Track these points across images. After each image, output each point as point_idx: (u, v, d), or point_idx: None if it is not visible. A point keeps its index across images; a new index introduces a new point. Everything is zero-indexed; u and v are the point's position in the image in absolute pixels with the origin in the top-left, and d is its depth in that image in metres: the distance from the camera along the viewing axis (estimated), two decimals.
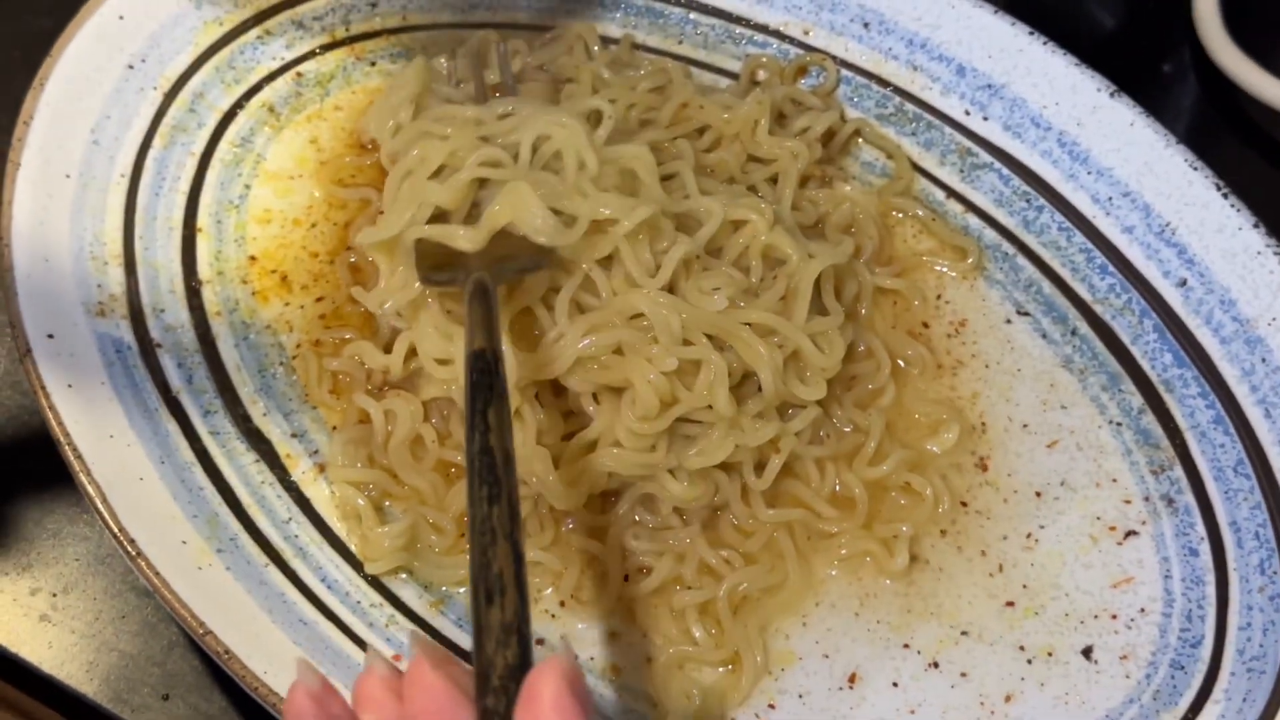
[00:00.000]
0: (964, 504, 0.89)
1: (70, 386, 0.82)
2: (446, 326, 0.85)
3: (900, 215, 1.00)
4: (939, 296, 0.97)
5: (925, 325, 0.96)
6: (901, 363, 0.94)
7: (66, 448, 0.79)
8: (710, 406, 0.83)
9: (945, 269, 0.98)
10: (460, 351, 0.82)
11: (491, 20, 1.07)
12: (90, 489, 0.77)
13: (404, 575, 0.84)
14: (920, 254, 0.99)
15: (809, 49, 1.04)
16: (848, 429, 0.90)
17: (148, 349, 0.88)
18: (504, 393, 0.68)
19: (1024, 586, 0.86)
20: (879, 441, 0.88)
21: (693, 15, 1.06)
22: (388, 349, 0.89)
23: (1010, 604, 0.85)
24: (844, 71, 1.03)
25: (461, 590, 0.84)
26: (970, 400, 0.93)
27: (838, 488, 0.88)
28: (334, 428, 0.89)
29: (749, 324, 0.84)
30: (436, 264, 0.79)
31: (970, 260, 0.97)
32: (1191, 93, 1.15)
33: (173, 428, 0.85)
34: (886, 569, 0.85)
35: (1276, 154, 1.11)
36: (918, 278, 0.98)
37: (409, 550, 0.84)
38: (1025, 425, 0.92)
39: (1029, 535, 0.87)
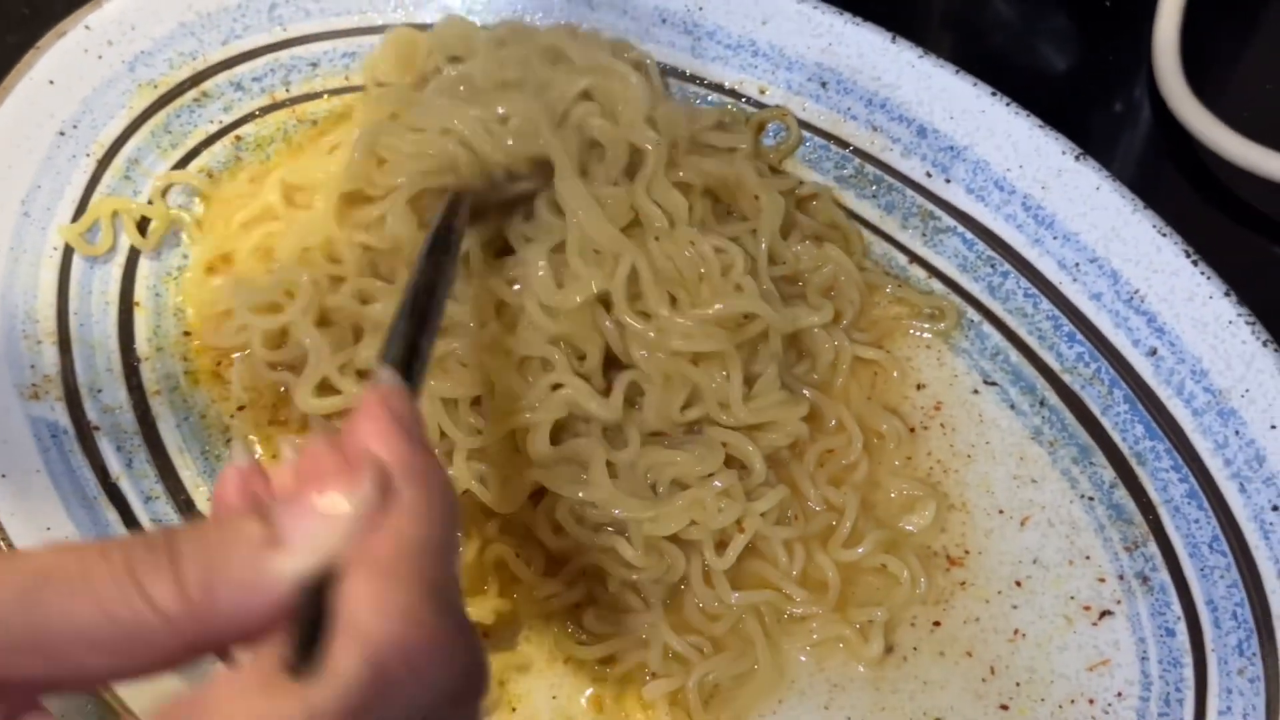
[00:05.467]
0: (939, 601, 0.86)
1: (4, 476, 0.78)
2: None
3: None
4: (918, 386, 0.94)
5: (899, 401, 0.93)
6: (875, 437, 0.91)
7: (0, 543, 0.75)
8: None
9: (922, 333, 0.95)
10: None
11: None
12: None
13: None
14: (895, 317, 0.96)
15: (765, 108, 1.01)
16: (819, 508, 0.87)
17: (85, 432, 0.84)
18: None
19: (1017, 685, 0.83)
20: (854, 522, 0.86)
21: None
22: None
23: (1005, 707, 0.82)
24: (802, 132, 1.01)
25: None
26: (941, 475, 0.90)
27: (805, 568, 0.85)
28: None
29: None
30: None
31: (947, 322, 0.95)
32: (1143, 134, 1.14)
33: (113, 516, 0.82)
34: (861, 656, 0.82)
35: (1227, 200, 1.08)
36: (893, 344, 0.95)
37: None
38: (996, 501, 0.89)
39: (1016, 630, 0.84)
